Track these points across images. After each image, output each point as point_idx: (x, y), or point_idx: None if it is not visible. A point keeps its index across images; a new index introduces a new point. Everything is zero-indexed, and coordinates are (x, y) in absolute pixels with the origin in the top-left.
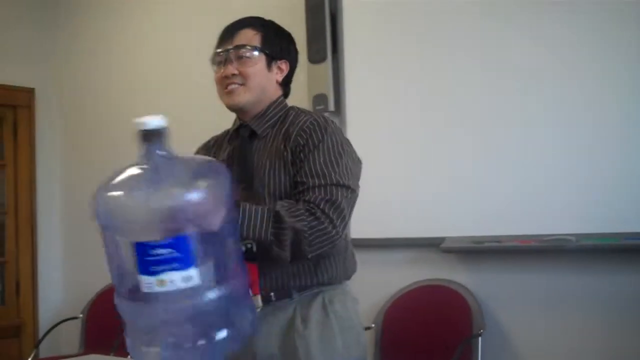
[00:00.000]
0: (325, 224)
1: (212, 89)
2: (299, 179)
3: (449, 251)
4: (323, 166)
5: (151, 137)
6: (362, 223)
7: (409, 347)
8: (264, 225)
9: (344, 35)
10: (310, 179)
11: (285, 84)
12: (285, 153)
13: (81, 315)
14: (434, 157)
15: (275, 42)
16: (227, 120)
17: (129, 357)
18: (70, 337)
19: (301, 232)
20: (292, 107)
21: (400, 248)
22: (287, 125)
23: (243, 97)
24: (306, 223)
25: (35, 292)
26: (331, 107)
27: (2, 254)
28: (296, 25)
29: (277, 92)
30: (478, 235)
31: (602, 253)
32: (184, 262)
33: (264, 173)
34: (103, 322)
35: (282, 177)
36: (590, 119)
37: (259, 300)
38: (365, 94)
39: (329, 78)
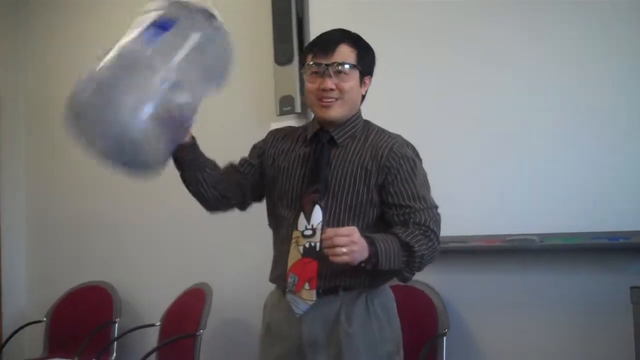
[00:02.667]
0: (436, 243)
1: None
2: (401, 202)
3: None
4: (423, 190)
5: None
6: None
7: None
8: (397, 255)
9: (310, 37)
10: (416, 203)
11: (364, 97)
12: (371, 169)
13: (45, 319)
14: None
15: (368, 59)
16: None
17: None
18: (34, 340)
19: (425, 256)
20: (367, 122)
21: None
22: (370, 141)
23: (338, 111)
24: (426, 247)
25: None
26: (297, 109)
27: None
28: (262, 27)
29: (360, 104)
30: (443, 236)
31: (566, 253)
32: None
33: (344, 181)
34: (67, 326)
35: (361, 188)
36: (556, 121)
37: (313, 294)
38: None
39: (296, 80)
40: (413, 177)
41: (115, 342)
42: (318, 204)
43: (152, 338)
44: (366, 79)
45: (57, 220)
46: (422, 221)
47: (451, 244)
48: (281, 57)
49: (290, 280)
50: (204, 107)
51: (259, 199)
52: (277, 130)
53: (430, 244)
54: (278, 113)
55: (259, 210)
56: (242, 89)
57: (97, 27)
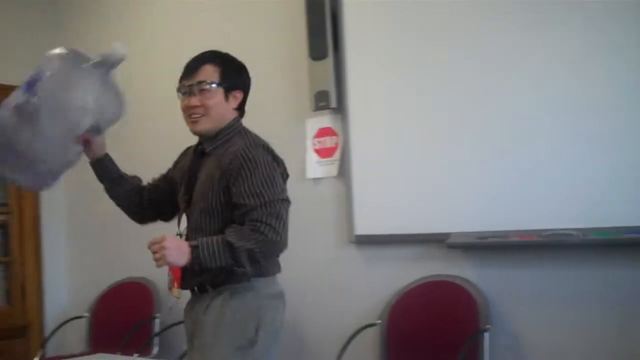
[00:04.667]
0: (270, 235)
1: None
2: (240, 201)
3: (454, 247)
4: (261, 187)
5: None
6: (367, 220)
7: (414, 343)
8: (221, 254)
9: (345, 31)
10: (250, 200)
11: (241, 107)
12: (217, 174)
13: (87, 315)
14: (438, 153)
15: (232, 75)
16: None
17: (135, 355)
18: (76, 336)
19: (252, 250)
20: (243, 131)
21: (406, 244)
22: (225, 149)
23: (204, 125)
24: (254, 241)
25: (41, 292)
26: (333, 104)
27: (8, 255)
28: (296, 22)
29: (232, 116)
30: (483, 231)
31: (605, 247)
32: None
33: (200, 189)
34: (108, 321)
35: (210, 193)
36: (592, 115)
37: (179, 292)
38: (369, 90)
39: (331, 75)
40: (251, 176)
41: (157, 338)
42: (185, 211)
43: None
44: (236, 93)
45: (97, 217)
46: (256, 217)
47: (490, 239)
48: (316, 52)
49: (168, 278)
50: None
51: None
52: (181, 155)
53: (261, 237)
54: (313, 109)
55: (301, 209)
56: (276, 86)
57: (130, 28)
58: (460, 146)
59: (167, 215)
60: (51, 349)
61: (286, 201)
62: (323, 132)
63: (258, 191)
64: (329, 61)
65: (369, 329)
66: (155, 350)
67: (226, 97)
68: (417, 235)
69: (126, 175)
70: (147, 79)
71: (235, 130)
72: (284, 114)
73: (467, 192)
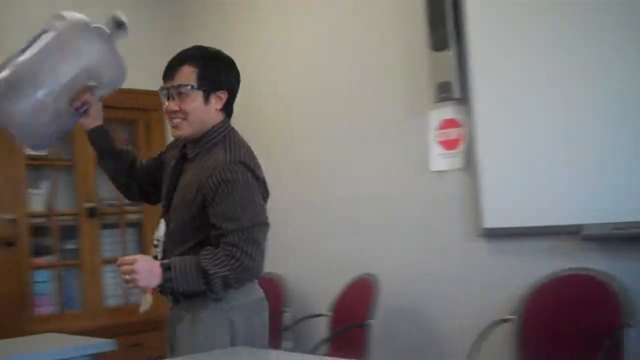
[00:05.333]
0: (245, 262)
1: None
2: (216, 223)
3: (589, 239)
4: (239, 210)
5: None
6: (495, 212)
7: (550, 339)
8: (194, 280)
9: (467, 21)
10: (227, 224)
11: (228, 107)
12: (196, 189)
13: None
14: (569, 142)
15: (213, 75)
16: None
17: (280, 350)
18: None
19: (227, 277)
20: (228, 136)
21: (536, 237)
22: (206, 160)
23: (185, 130)
24: (229, 267)
25: None
26: (456, 94)
27: (144, 252)
28: (414, 14)
29: (217, 117)
30: (620, 222)
31: None
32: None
33: (180, 197)
34: None
35: (188, 206)
36: None
37: (150, 298)
38: (494, 80)
39: (453, 65)
40: (227, 198)
41: (288, 331)
42: (164, 217)
43: (320, 327)
44: (219, 94)
45: None
46: (232, 242)
47: (630, 230)
48: (436, 43)
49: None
50: (357, 97)
51: (155, 199)
52: (174, 141)
53: (236, 264)
54: (435, 100)
55: (425, 201)
56: (395, 78)
57: (248, 27)
58: (593, 134)
59: (152, 199)
60: None
61: (264, 225)
62: (446, 124)
63: (235, 215)
64: (451, 51)
65: (501, 325)
66: (287, 343)
67: (206, 100)
68: (549, 227)
69: (120, 150)
70: (270, 79)
71: (220, 134)
72: (403, 106)
73: (601, 181)
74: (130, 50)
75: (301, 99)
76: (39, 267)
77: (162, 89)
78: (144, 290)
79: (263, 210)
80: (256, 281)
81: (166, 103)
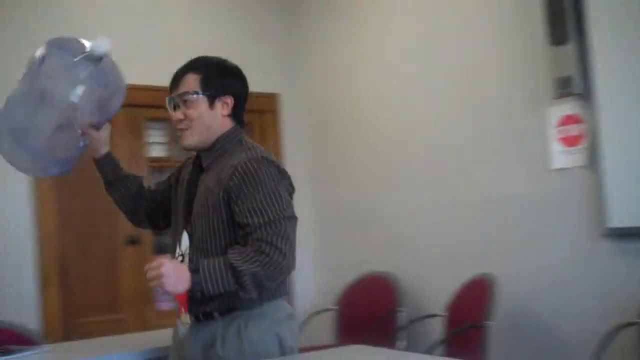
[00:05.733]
0: (275, 257)
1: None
2: (243, 220)
3: None
4: (266, 203)
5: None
6: (622, 210)
7: None
8: (225, 279)
9: (589, 14)
10: (254, 218)
11: (237, 114)
12: (217, 191)
13: (335, 307)
14: None
15: (216, 81)
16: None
17: (397, 349)
18: (323, 327)
19: (257, 274)
20: (240, 142)
21: None
22: (224, 162)
23: (190, 139)
24: (258, 264)
25: (290, 285)
26: (577, 89)
27: None
28: (533, 8)
29: (226, 124)
30: None
31: None
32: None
33: (200, 206)
34: (354, 314)
35: (211, 211)
36: None
37: (187, 317)
38: (618, 75)
39: (574, 60)
40: (254, 192)
41: (402, 331)
42: (186, 229)
43: (435, 328)
44: (225, 99)
45: (342, 212)
46: (261, 237)
47: None
48: (555, 38)
49: (175, 305)
50: (472, 96)
51: (162, 225)
52: (183, 162)
53: (266, 259)
54: (555, 96)
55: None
56: (512, 74)
57: (375, 28)
58: None
59: (159, 225)
60: (301, 340)
61: (292, 218)
62: (567, 120)
63: (262, 208)
64: (571, 46)
65: (626, 329)
66: (401, 343)
67: (211, 105)
68: None
69: (126, 176)
70: (384, 79)
71: (232, 140)
72: (520, 103)
73: None
74: (245, 53)
75: (415, 99)
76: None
77: (168, 100)
78: (178, 310)
79: (290, 203)
80: (284, 297)
81: (173, 113)
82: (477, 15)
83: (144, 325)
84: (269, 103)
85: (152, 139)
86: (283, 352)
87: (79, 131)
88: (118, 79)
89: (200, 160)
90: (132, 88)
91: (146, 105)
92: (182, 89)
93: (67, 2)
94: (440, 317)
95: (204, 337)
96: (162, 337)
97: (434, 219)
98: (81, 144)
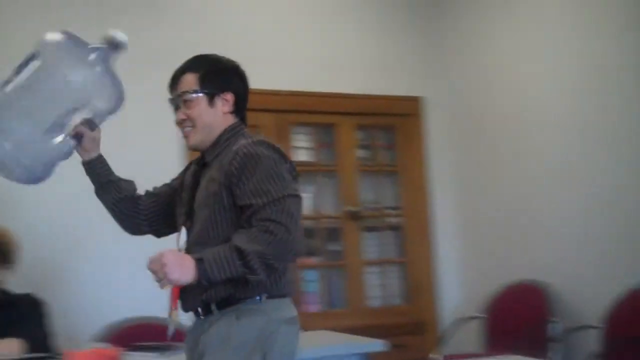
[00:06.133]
0: (280, 234)
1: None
2: (245, 202)
3: None
4: (267, 183)
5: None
6: None
7: None
8: (230, 262)
9: None
10: (257, 199)
11: (238, 111)
12: (219, 178)
13: (482, 315)
14: None
15: (214, 78)
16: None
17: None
18: (470, 335)
19: (264, 252)
20: (243, 136)
21: None
22: (225, 152)
23: (194, 138)
24: (264, 242)
25: (435, 291)
26: None
27: (403, 255)
28: None
29: (227, 121)
30: None
31: None
32: None
33: (200, 198)
34: (503, 323)
35: (212, 199)
36: None
37: (178, 314)
38: None
39: None
40: (253, 173)
41: (555, 343)
42: (184, 226)
43: (591, 340)
44: (224, 96)
45: (490, 218)
46: (264, 216)
47: None
48: None
49: (169, 303)
50: (605, 97)
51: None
52: (187, 166)
53: (271, 237)
54: None
55: None
56: None
57: (518, 23)
58: None
59: (160, 230)
60: (447, 347)
61: (295, 196)
62: None
63: (264, 188)
64: None
65: None
66: (555, 355)
67: (211, 103)
68: None
69: (119, 181)
70: (528, 81)
71: (235, 134)
72: None
73: None
74: (387, 55)
75: (579, 99)
76: (308, 267)
77: (169, 101)
78: (171, 307)
79: (291, 183)
80: (290, 298)
81: (174, 113)
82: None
83: None
84: (411, 106)
85: (298, 144)
86: (266, 354)
87: (70, 133)
88: (120, 85)
89: (204, 158)
90: (278, 94)
91: (292, 110)
92: (181, 88)
93: (202, 9)
94: (597, 329)
95: (200, 331)
96: (305, 338)
97: (590, 226)
98: (66, 149)
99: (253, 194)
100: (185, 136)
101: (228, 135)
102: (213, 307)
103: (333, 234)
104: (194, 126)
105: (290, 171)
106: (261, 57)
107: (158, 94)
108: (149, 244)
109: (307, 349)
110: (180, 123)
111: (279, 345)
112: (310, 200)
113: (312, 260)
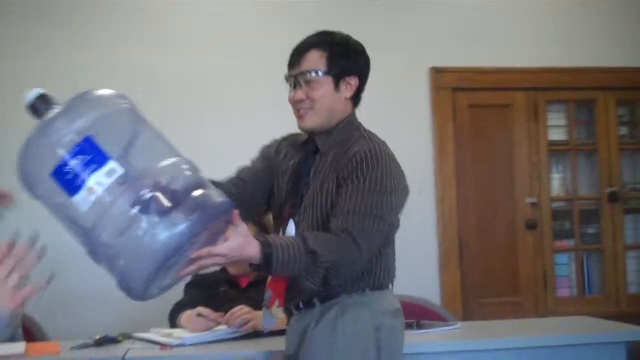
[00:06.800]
0: (354, 255)
1: None
2: (337, 201)
3: None
4: (366, 195)
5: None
6: None
7: None
8: (298, 265)
9: None
10: (348, 205)
11: (357, 96)
12: (331, 179)
13: None
14: None
15: (343, 59)
16: None
17: None
18: None
19: (332, 266)
20: (357, 129)
21: None
22: (344, 150)
23: (311, 121)
24: (337, 254)
25: None
26: None
27: None
28: None
29: (347, 108)
30: None
31: None
32: (99, 159)
33: (313, 194)
34: None
35: (323, 200)
36: None
37: (280, 312)
38: None
39: None
40: (362, 181)
41: None
42: (292, 218)
43: None
44: (350, 80)
45: None
46: (346, 227)
47: None
48: None
49: (266, 294)
50: None
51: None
52: (283, 139)
53: (344, 254)
54: None
55: None
56: None
57: None
58: None
59: (250, 212)
60: None
61: (388, 223)
62: None
63: (361, 199)
64: None
65: None
66: None
67: (336, 86)
68: None
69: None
70: None
71: (352, 126)
72: None
73: None
74: (621, 27)
75: None
76: (559, 250)
77: (287, 77)
78: (266, 302)
79: (393, 209)
80: (391, 289)
81: (292, 92)
82: None
83: (541, 311)
84: None
85: (552, 122)
86: (379, 348)
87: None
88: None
89: (315, 145)
90: (530, 72)
91: (545, 88)
92: (306, 66)
93: None
94: None
95: (302, 325)
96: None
97: None
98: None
99: (348, 199)
100: (300, 117)
101: (346, 127)
102: (315, 300)
103: (589, 216)
104: (312, 108)
105: (401, 191)
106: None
107: None
108: None
109: (561, 335)
110: (296, 102)
111: (388, 338)
112: (563, 180)
113: (565, 243)
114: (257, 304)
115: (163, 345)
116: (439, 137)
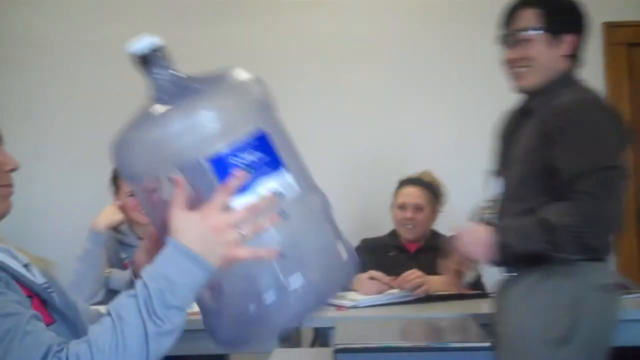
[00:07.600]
0: (594, 209)
1: None
2: (560, 166)
3: None
4: (587, 150)
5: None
6: None
7: None
8: (533, 238)
9: None
10: (573, 165)
11: (575, 54)
12: (537, 136)
13: None
14: None
15: (557, 16)
16: None
17: None
18: None
19: (575, 228)
20: (573, 83)
21: None
22: (550, 104)
23: (528, 80)
24: (574, 216)
25: None
26: None
27: None
28: None
29: (564, 65)
30: None
31: None
32: (273, 164)
33: (519, 151)
34: None
35: (529, 157)
36: None
37: (477, 267)
38: None
39: None
40: (576, 135)
41: None
42: (498, 176)
43: None
44: (566, 37)
45: None
46: (580, 188)
47: None
48: None
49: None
50: None
51: None
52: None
53: (581, 212)
54: None
55: None
56: None
57: None
58: None
59: None
60: None
61: (617, 168)
62: None
63: (585, 155)
64: None
65: None
66: None
67: (552, 44)
68: None
69: None
70: None
71: (565, 82)
72: None
73: None
74: None
75: None
76: None
77: (500, 36)
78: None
79: (616, 152)
80: (608, 263)
81: (507, 52)
82: None
83: None
84: None
85: None
86: (576, 320)
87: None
88: None
89: (526, 105)
90: (625, 25)
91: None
92: (520, 24)
93: None
94: None
95: (506, 288)
96: None
97: None
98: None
99: (571, 158)
100: (517, 77)
101: (559, 83)
102: (521, 266)
103: None
104: (529, 66)
105: (621, 136)
106: None
107: None
108: None
109: None
110: (511, 62)
111: (591, 313)
112: None
113: None
114: (425, 269)
115: (339, 307)
116: (613, 97)
